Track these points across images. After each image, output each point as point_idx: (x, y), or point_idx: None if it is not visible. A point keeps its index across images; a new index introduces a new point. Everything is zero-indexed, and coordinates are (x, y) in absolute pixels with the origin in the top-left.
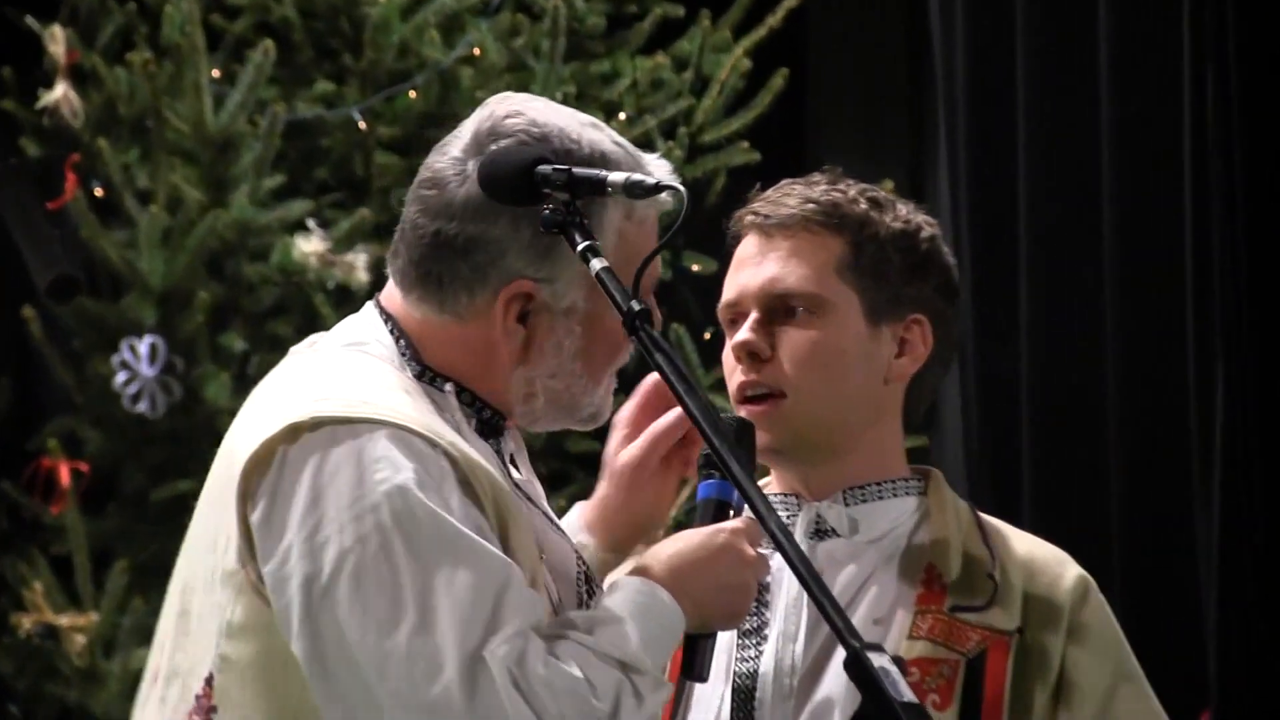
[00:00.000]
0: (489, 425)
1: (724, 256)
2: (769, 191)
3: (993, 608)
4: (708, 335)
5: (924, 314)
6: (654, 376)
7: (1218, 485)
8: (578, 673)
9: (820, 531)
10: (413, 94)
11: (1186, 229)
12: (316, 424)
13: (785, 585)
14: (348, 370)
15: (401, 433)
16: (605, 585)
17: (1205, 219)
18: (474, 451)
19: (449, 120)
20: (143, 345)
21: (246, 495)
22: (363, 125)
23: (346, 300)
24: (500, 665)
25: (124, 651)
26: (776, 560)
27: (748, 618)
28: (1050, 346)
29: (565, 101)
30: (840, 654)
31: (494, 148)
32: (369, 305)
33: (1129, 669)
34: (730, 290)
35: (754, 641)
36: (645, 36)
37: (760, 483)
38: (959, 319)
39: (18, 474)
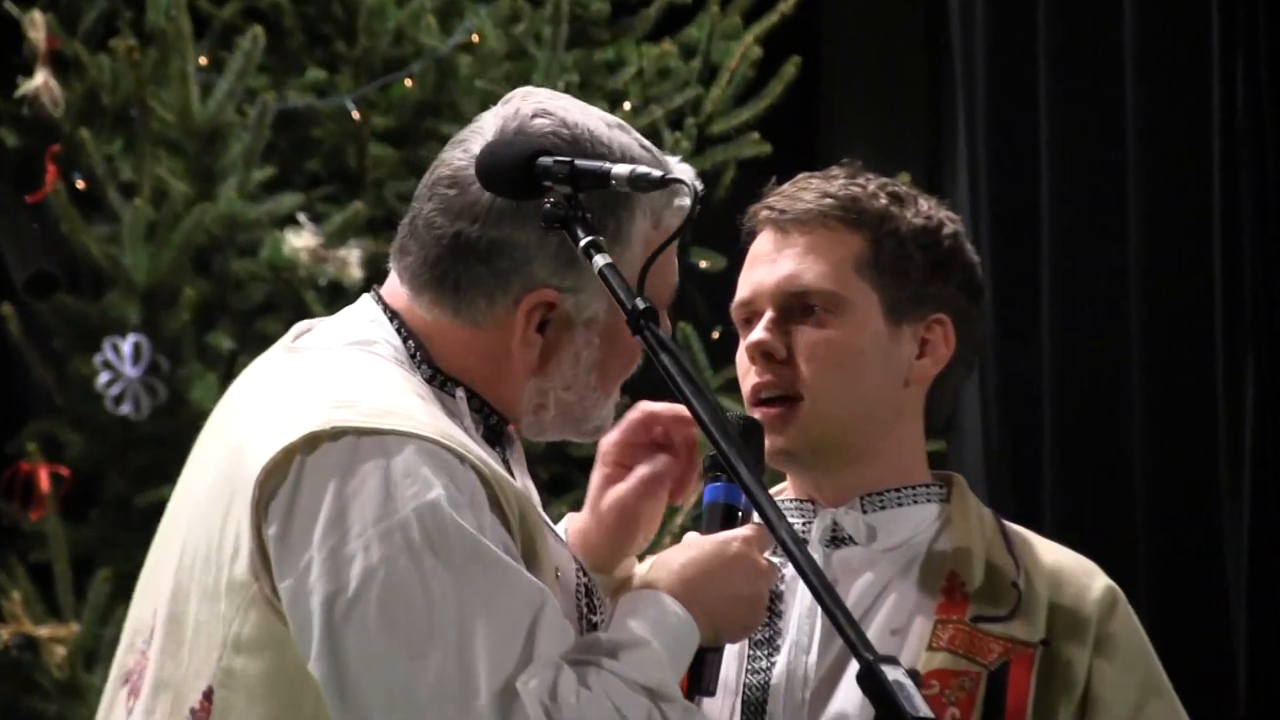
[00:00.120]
0: (494, 431)
1: (735, 253)
2: (785, 186)
3: (1016, 618)
4: (716, 334)
5: (946, 313)
6: (640, 407)
7: (1248, 488)
8: (609, 703)
9: (837, 539)
10: (408, 83)
11: (1215, 224)
12: (338, 433)
13: (799, 594)
14: (361, 374)
15: (430, 446)
16: (615, 599)
17: (1235, 214)
18: (498, 465)
19: (446, 110)
20: (126, 345)
21: (260, 504)
22: (356, 115)
23: (339, 297)
24: (533, 698)
25: (106, 664)
26: (790, 568)
27: (760, 627)
28: (1072, 346)
29: (568, 91)
30: (854, 666)
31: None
32: (367, 299)
33: (1158, 683)
34: (744, 289)
35: (766, 652)
36: (651, 23)
37: (775, 488)
38: (983, 318)
39: None
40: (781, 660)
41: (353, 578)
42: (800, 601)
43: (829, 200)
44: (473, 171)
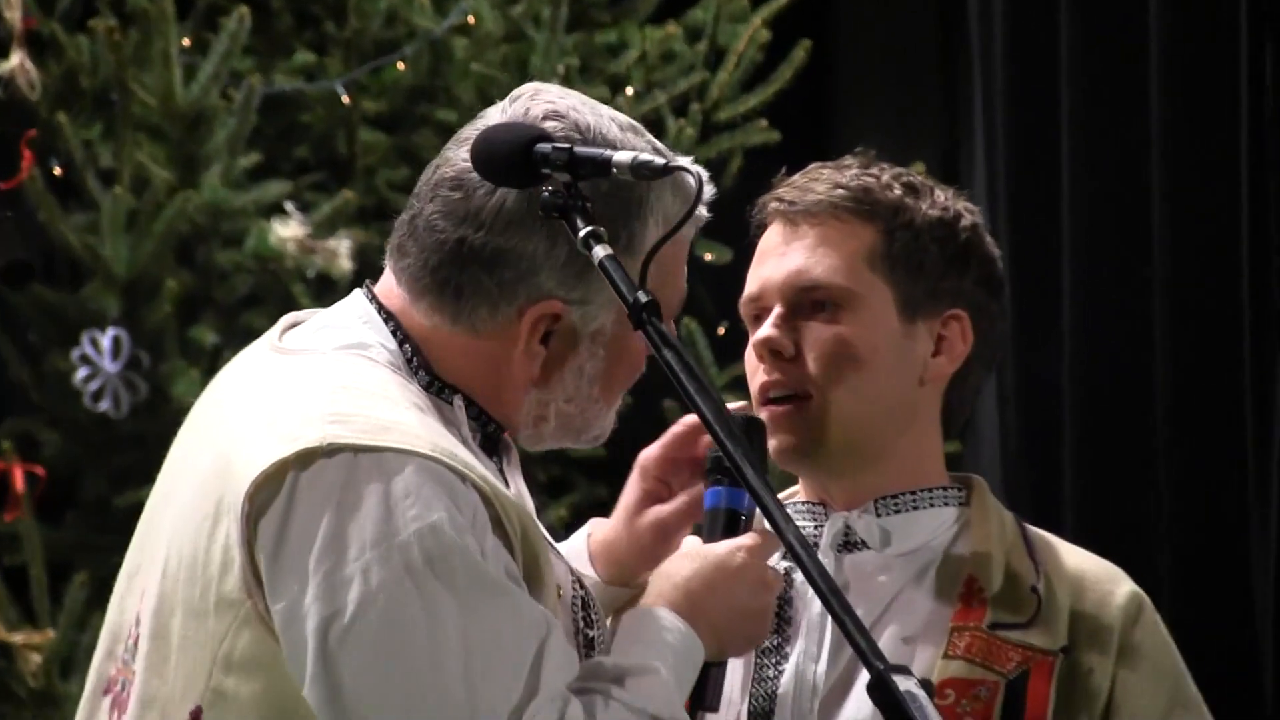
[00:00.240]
0: (491, 439)
1: (743, 246)
2: (795, 176)
3: (1036, 625)
4: (721, 330)
5: (963, 309)
6: (686, 421)
7: (1275, 490)
8: None
9: (849, 543)
10: (401, 66)
11: (1242, 218)
12: (334, 450)
13: (808, 601)
14: (357, 383)
15: (431, 464)
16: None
17: (1262, 208)
18: (498, 481)
19: (440, 95)
20: (105, 338)
21: (251, 519)
22: (346, 100)
23: (327, 290)
24: None
25: (82, 672)
26: (800, 575)
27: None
28: (1094, 343)
29: (568, 75)
30: (865, 676)
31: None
32: (359, 295)
33: (1186, 695)
34: (753, 283)
35: (774, 660)
36: (655, 4)
37: (787, 491)
38: (1004, 315)
39: None
40: (789, 669)
41: (350, 601)
42: (810, 608)
43: (841, 191)
44: (477, 173)
